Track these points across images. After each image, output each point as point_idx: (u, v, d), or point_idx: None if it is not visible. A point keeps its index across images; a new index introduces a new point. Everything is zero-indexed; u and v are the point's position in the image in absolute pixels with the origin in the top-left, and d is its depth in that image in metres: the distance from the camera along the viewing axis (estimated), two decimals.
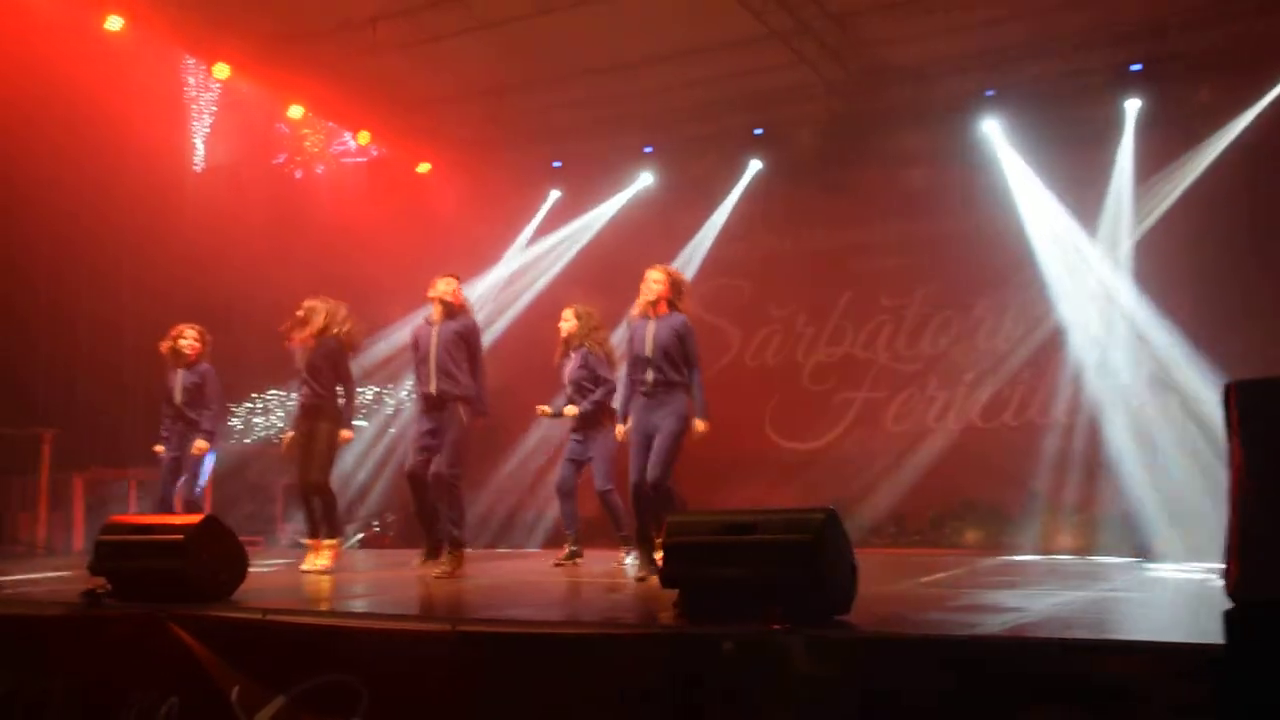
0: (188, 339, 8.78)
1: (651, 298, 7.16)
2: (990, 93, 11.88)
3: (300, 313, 8.05)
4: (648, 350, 7.06)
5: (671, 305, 7.19)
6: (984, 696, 3.62)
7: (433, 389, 7.50)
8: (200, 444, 8.59)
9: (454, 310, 7.67)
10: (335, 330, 8.02)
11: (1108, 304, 11.38)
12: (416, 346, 7.70)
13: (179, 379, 8.74)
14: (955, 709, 3.64)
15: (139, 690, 4.74)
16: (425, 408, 7.60)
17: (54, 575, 7.78)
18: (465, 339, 7.60)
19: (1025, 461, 11.32)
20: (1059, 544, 10.40)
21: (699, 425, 7.01)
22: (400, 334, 12.82)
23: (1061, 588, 6.41)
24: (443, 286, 7.73)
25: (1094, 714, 3.47)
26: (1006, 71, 11.80)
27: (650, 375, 7.05)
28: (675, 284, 7.24)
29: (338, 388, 8.01)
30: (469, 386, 7.53)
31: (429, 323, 7.67)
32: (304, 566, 7.75)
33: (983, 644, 3.99)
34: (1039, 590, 6.28)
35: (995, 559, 9.19)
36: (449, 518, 7.47)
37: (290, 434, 8.13)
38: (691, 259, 13.42)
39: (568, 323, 8.44)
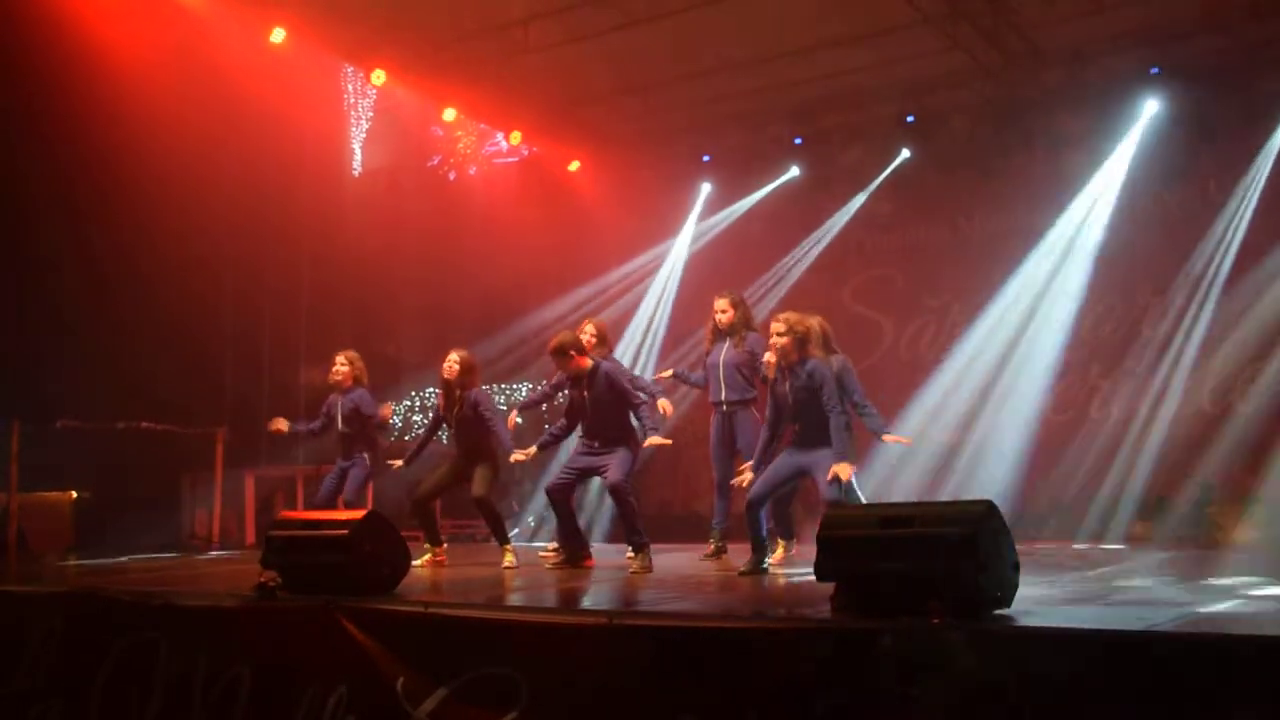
0: (337, 364, 9.17)
1: (778, 355, 7.05)
2: (1155, 70, 11.50)
3: (451, 362, 8.48)
4: (787, 408, 7.08)
5: (801, 351, 7.03)
6: (1153, 694, 3.49)
7: (596, 444, 7.89)
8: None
9: (587, 361, 7.95)
10: (475, 382, 8.52)
11: None
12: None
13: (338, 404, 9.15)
14: (1122, 706, 3.52)
15: (312, 678, 4.90)
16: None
17: (229, 566, 8.11)
18: (613, 387, 7.86)
19: (1195, 451, 10.89)
20: (1233, 537, 9.97)
21: (843, 471, 6.73)
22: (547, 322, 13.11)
23: (1237, 582, 6.14)
24: (590, 330, 8.40)
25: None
26: (1168, 48, 11.40)
27: (798, 426, 7.07)
28: (798, 336, 7.03)
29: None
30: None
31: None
32: (504, 564, 8.10)
33: (1153, 639, 3.84)
34: (1212, 584, 6.03)
35: (1164, 553, 8.86)
36: (628, 527, 7.73)
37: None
38: (842, 250, 13.28)
39: (725, 313, 8.45)
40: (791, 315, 7.15)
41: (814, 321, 7.52)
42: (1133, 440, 11.41)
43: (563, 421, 8.25)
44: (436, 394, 8.75)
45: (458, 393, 8.42)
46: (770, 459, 7.22)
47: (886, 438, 7.64)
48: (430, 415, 8.95)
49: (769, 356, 7.21)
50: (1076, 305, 11.98)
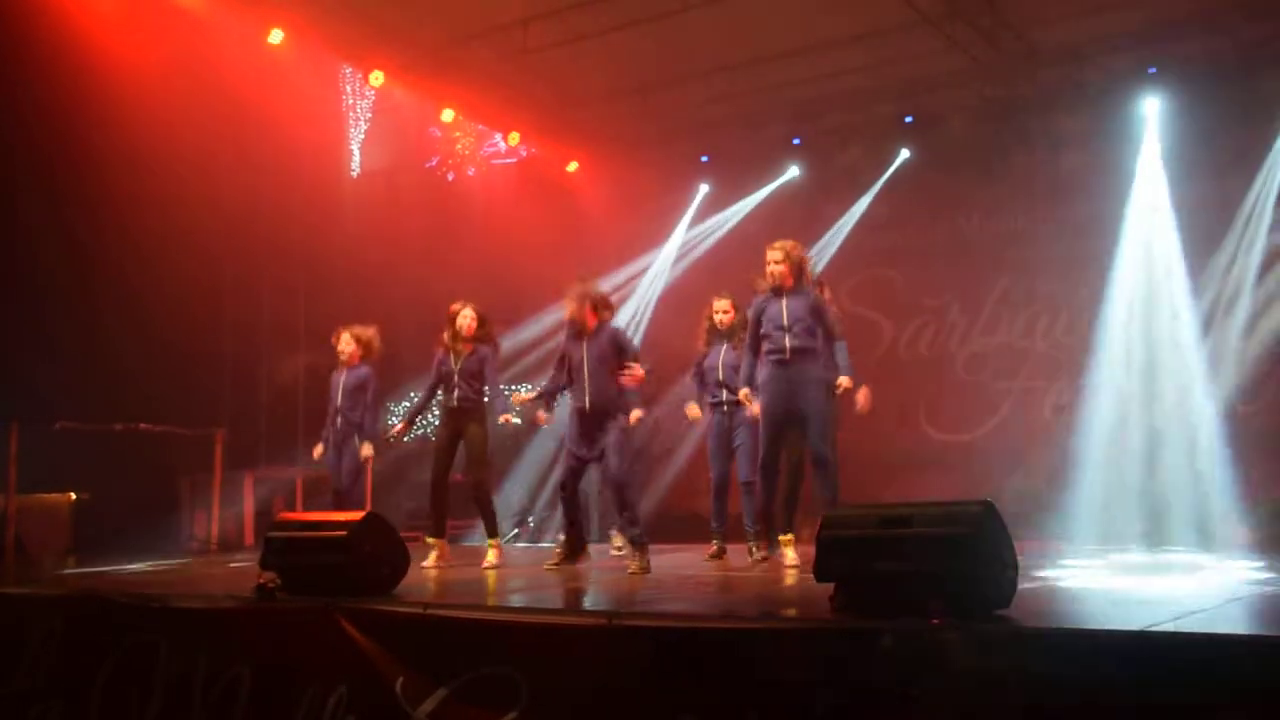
0: (343, 341, 9.04)
1: (772, 280, 7.35)
2: (1152, 70, 11.51)
3: (469, 318, 8.34)
4: (784, 321, 7.21)
5: (798, 280, 7.32)
6: (1152, 693, 3.49)
7: (587, 404, 7.51)
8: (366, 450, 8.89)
9: (597, 319, 7.69)
10: (489, 336, 8.39)
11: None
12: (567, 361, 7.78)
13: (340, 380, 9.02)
14: (1120, 706, 3.51)
15: (312, 679, 4.90)
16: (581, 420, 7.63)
17: (229, 568, 8.10)
18: (618, 345, 7.64)
19: (1195, 452, 10.88)
20: (1233, 538, 9.95)
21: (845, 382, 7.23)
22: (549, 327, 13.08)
23: (1238, 583, 6.14)
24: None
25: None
26: (1167, 47, 11.41)
27: (787, 342, 7.18)
28: (795, 263, 7.33)
29: (485, 389, 8.34)
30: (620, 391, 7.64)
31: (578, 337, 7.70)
32: (484, 564, 8.05)
33: (1152, 639, 3.84)
34: (1214, 585, 6.03)
35: (1164, 553, 8.85)
36: (627, 519, 7.53)
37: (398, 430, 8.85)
38: (841, 250, 13.28)
39: (727, 314, 8.49)
40: (789, 243, 7.41)
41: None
42: (1131, 438, 11.39)
43: (555, 380, 7.96)
44: (438, 352, 8.48)
45: (463, 346, 8.29)
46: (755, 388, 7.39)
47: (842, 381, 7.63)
48: (431, 376, 8.49)
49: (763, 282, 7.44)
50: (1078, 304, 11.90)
